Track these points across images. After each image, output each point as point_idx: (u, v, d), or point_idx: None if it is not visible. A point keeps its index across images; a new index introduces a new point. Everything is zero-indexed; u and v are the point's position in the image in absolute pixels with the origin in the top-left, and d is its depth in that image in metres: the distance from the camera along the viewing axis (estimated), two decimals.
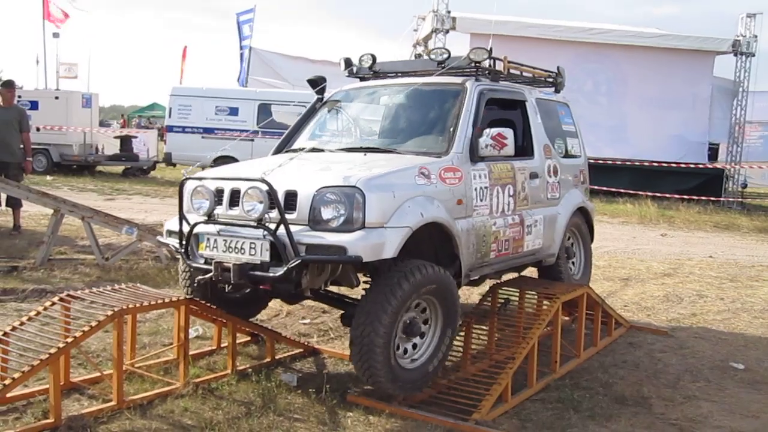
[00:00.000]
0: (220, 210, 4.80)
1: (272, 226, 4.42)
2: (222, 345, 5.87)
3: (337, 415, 4.72)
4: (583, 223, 7.07)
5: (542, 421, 4.73)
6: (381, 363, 4.44)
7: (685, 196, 18.64)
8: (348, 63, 6.53)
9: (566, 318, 7.10)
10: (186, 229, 4.88)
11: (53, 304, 4.93)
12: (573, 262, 6.95)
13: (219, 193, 4.83)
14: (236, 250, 4.62)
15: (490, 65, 5.91)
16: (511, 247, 5.69)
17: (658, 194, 18.14)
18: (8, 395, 4.40)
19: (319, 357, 5.96)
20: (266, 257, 4.49)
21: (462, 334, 5.62)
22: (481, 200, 5.35)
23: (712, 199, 19.08)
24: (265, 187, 4.44)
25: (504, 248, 5.59)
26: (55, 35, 25.50)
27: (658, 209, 17.06)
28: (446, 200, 4.97)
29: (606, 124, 20.08)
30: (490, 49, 5.74)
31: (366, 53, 6.35)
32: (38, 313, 4.89)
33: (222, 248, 4.70)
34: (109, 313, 4.60)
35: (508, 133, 5.24)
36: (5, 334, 4.66)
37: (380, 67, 6.37)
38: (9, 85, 11.28)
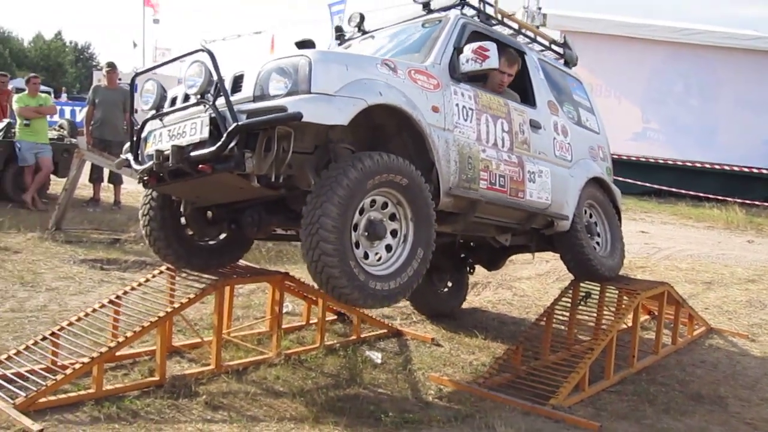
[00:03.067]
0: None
1: (214, 98, 4.15)
2: (310, 321, 6.18)
3: (419, 391, 4.98)
4: (606, 199, 6.49)
5: (617, 411, 4.87)
6: (336, 258, 3.91)
7: None
8: (338, 30, 6.28)
9: (647, 316, 7.19)
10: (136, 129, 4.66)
11: (161, 272, 5.30)
12: (599, 239, 6.38)
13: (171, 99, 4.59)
14: (178, 136, 4.27)
15: (479, 8, 5.64)
16: (509, 186, 5.18)
17: (747, 201, 17.74)
18: (117, 354, 4.78)
19: (402, 338, 6.21)
20: (206, 134, 4.09)
21: (543, 323, 5.78)
22: (465, 120, 4.90)
23: None
24: (206, 57, 4.15)
25: (499, 184, 5.09)
26: (155, 21, 26.41)
27: (746, 216, 16.66)
28: (417, 100, 4.51)
29: (695, 127, 19.68)
30: None
31: (355, 12, 6.07)
32: (147, 280, 5.26)
33: (166, 139, 4.37)
34: (211, 283, 4.96)
35: (491, 45, 4.89)
36: (117, 297, 5.06)
37: (368, 26, 6.05)
38: (112, 66, 11.87)
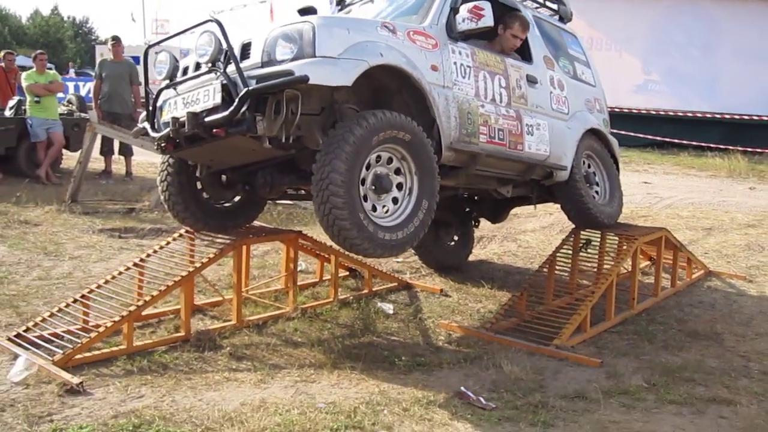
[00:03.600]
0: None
1: (224, 65, 4.35)
2: (323, 278, 6.46)
3: (429, 337, 5.28)
4: (603, 150, 6.68)
5: (618, 349, 5.15)
6: (345, 210, 4.14)
7: None
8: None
9: (647, 262, 7.44)
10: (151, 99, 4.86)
11: (180, 236, 5.56)
12: (598, 187, 6.57)
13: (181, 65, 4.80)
14: (192, 104, 4.46)
15: None
16: (507, 139, 5.39)
17: (749, 149, 17.88)
18: (143, 313, 5.06)
19: (412, 291, 6.49)
20: (218, 100, 4.29)
21: (546, 271, 6.05)
22: (463, 77, 5.11)
23: None
24: (215, 27, 4.34)
25: (498, 137, 5.31)
26: None
27: (749, 164, 16.83)
28: (417, 59, 4.72)
29: (698, 77, 19.77)
30: None
31: None
32: (168, 243, 5.54)
33: (181, 107, 4.56)
34: (228, 243, 5.24)
35: (485, 4, 5.06)
36: (141, 260, 5.34)
37: None
38: (117, 39, 12.05)
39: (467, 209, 7.36)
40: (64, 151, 11.90)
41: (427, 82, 4.73)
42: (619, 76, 18.78)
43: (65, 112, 12.21)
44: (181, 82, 4.68)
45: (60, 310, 4.92)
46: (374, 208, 4.48)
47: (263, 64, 4.31)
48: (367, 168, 4.39)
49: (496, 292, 6.53)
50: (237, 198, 5.63)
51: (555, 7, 6.83)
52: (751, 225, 9.91)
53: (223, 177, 5.43)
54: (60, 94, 12.83)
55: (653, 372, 4.68)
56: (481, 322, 5.69)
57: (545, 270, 6.06)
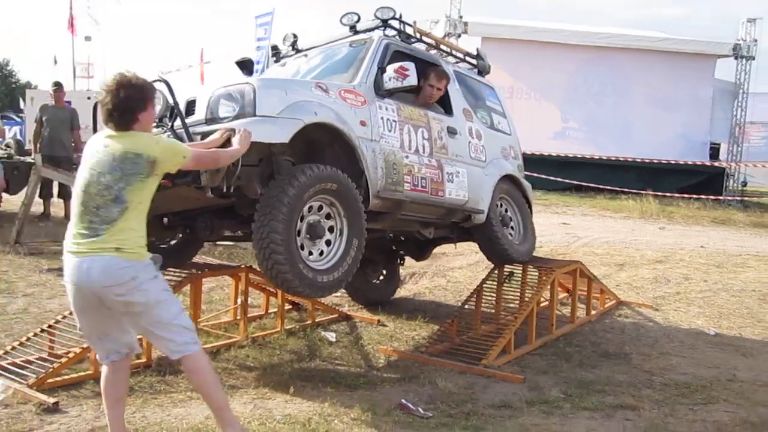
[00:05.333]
0: None
1: (171, 122, 4.65)
2: (269, 311, 6.93)
3: (370, 361, 5.82)
4: (517, 193, 7.18)
5: (538, 368, 5.78)
6: (287, 265, 4.55)
7: (686, 195, 19.49)
8: (275, 49, 6.94)
9: (565, 294, 8.14)
10: None
11: None
12: (513, 228, 7.08)
13: None
14: None
15: (399, 27, 6.23)
16: (429, 187, 5.82)
17: (660, 193, 18.99)
18: None
19: (351, 321, 7.03)
20: None
21: (473, 301, 6.66)
22: (390, 131, 5.53)
23: (712, 197, 19.95)
24: (163, 86, 4.61)
25: (421, 185, 5.73)
26: (87, 38, 26.59)
27: (660, 205, 17.93)
28: (347, 116, 5.13)
29: (612, 124, 20.97)
30: (395, 11, 6.14)
31: (288, 32, 6.77)
32: None
33: None
34: (185, 276, 5.69)
35: (410, 65, 5.48)
36: None
37: (302, 45, 6.74)
38: (59, 86, 12.36)
39: (393, 248, 7.87)
40: (2, 194, 12.06)
41: (356, 137, 5.16)
42: (539, 123, 19.87)
43: (5, 155, 12.39)
44: None
45: (28, 339, 5.29)
46: (310, 253, 4.92)
47: (207, 121, 4.67)
48: (301, 220, 4.83)
49: (428, 321, 7.11)
50: (175, 240, 6.01)
51: (474, 62, 7.37)
52: (659, 261, 10.76)
53: (165, 219, 5.77)
54: None
55: (569, 385, 5.32)
56: (416, 347, 6.25)
57: (473, 300, 6.67)
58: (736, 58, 21.43)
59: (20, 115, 30.68)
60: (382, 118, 5.51)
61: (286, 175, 4.72)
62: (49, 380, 4.76)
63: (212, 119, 4.65)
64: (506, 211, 7.07)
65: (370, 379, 5.31)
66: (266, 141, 4.55)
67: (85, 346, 4.98)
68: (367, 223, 5.26)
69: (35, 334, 5.34)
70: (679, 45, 21.19)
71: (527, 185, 7.42)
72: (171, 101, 4.67)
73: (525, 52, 20.37)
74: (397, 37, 6.20)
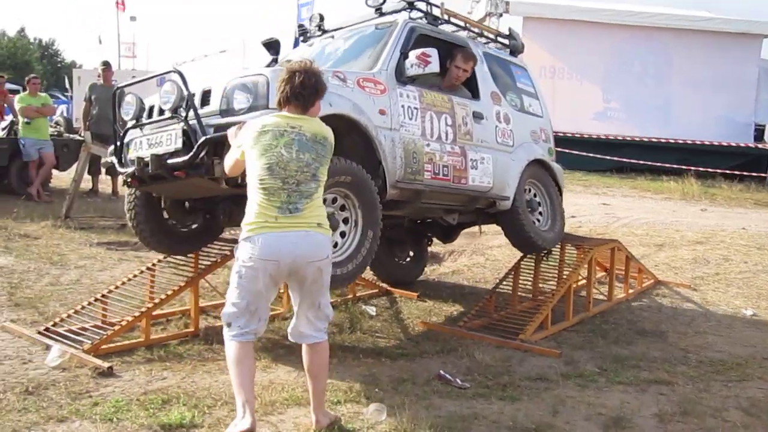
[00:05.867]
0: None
1: (186, 114, 4.69)
2: None
3: (410, 334, 5.97)
4: (548, 179, 7.08)
5: (575, 344, 5.89)
6: None
7: (730, 176, 19.24)
8: (302, 28, 6.89)
9: (602, 273, 8.21)
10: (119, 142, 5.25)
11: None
12: (540, 213, 6.97)
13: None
14: (156, 145, 4.86)
15: (426, 9, 6.18)
16: (452, 174, 5.79)
17: (701, 168, 18.69)
18: (154, 313, 5.65)
19: (391, 296, 7.19)
20: (179, 144, 4.68)
21: (511, 278, 6.77)
22: (410, 119, 5.49)
23: (755, 175, 19.66)
24: (177, 77, 4.72)
25: (442, 173, 5.71)
26: (133, 18, 26.95)
27: (701, 187, 17.78)
28: (365, 105, 5.11)
29: (653, 105, 20.74)
30: None
31: (315, 13, 6.76)
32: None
33: (146, 147, 4.96)
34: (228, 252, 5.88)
35: (432, 51, 5.45)
36: (153, 264, 5.98)
37: (329, 26, 6.67)
38: (107, 65, 12.67)
39: (420, 229, 7.88)
40: (53, 170, 12.43)
41: (374, 126, 5.14)
42: (581, 103, 19.77)
43: (55, 133, 12.75)
44: (146, 124, 5.11)
45: (83, 308, 5.55)
46: None
47: (221, 112, 4.68)
48: None
49: (467, 298, 7.24)
50: (196, 224, 6.00)
51: (506, 41, 7.23)
52: (699, 242, 10.73)
53: (186, 204, 5.83)
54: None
55: (605, 360, 5.42)
56: (454, 321, 6.39)
57: (511, 277, 6.78)
58: None
59: (65, 93, 31.32)
60: (402, 105, 5.47)
61: None
62: (103, 346, 4.99)
63: (227, 111, 4.67)
64: (534, 196, 6.98)
65: (409, 351, 5.47)
66: None
67: (137, 314, 5.22)
68: (388, 211, 5.28)
69: (89, 303, 5.59)
70: (724, 24, 20.86)
71: (558, 168, 7.29)
72: (185, 92, 4.72)
73: (566, 32, 20.22)
74: (424, 19, 6.15)
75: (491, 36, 7.19)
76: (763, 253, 10.03)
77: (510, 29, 7.39)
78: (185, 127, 4.67)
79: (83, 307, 5.56)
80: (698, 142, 19.92)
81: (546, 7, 20.67)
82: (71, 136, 12.79)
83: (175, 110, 4.75)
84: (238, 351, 3.81)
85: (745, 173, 19.25)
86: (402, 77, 5.52)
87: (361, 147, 5.20)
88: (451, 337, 5.85)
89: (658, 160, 19.31)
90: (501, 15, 20.96)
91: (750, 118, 21.58)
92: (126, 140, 5.27)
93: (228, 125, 4.41)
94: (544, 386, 4.83)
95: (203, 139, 4.51)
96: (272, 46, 6.40)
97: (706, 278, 8.47)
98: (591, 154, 18.71)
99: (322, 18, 6.73)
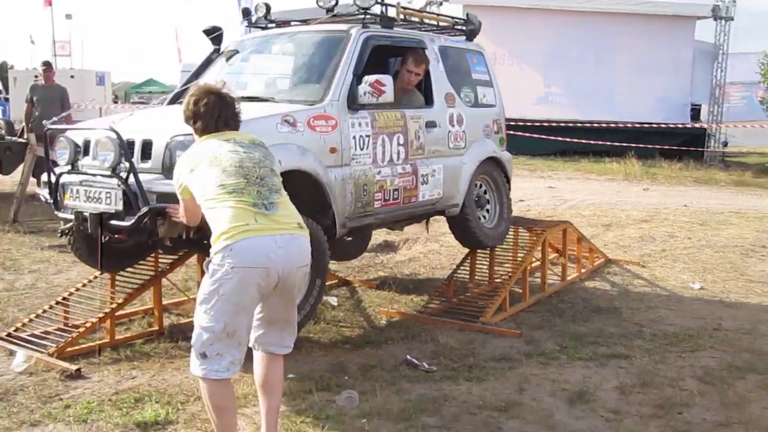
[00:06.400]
0: (85, 161, 4.85)
1: (126, 176, 4.45)
2: None
3: (373, 322, 6.06)
4: (497, 172, 6.94)
5: (533, 323, 6.05)
6: None
7: (669, 155, 19.74)
8: (246, 12, 6.59)
9: (556, 254, 8.41)
10: (54, 179, 4.92)
11: None
12: (488, 210, 6.91)
13: (84, 143, 4.87)
14: (95, 200, 4.64)
15: (381, 12, 5.85)
16: (402, 197, 5.70)
17: (641, 145, 19.10)
18: (116, 313, 5.63)
19: (351, 286, 7.26)
20: (120, 206, 4.50)
21: (467, 263, 6.90)
22: (362, 149, 5.32)
23: (694, 158, 20.22)
24: (114, 136, 4.49)
25: (393, 198, 5.61)
26: (68, 16, 26.46)
27: (643, 167, 18.25)
28: (316, 148, 4.95)
29: (593, 88, 21.17)
30: None
31: (261, 1, 6.33)
32: None
33: (83, 198, 4.71)
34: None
35: (387, 80, 5.24)
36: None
37: (276, 16, 6.35)
38: (49, 65, 12.46)
39: None
40: None
41: (324, 169, 4.99)
42: (523, 89, 20.07)
43: None
44: (82, 173, 4.80)
45: (44, 311, 5.50)
46: None
47: (164, 170, 4.44)
48: None
49: (425, 284, 7.37)
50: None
51: (463, 28, 6.90)
52: (644, 220, 11.06)
53: None
54: None
55: (564, 338, 5.60)
56: (416, 308, 6.50)
57: (467, 262, 6.91)
58: (715, 19, 21.66)
59: (0, 95, 30.58)
60: (354, 137, 5.29)
61: None
62: (68, 349, 4.97)
63: (170, 169, 4.17)
64: (484, 192, 6.92)
65: (374, 339, 5.56)
66: None
67: (101, 315, 5.21)
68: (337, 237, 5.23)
69: (50, 307, 5.55)
70: (658, 7, 21.39)
71: (508, 158, 7.17)
72: (123, 152, 4.48)
73: (506, 19, 20.50)
74: (378, 24, 5.86)
75: (448, 26, 6.93)
76: (706, 229, 10.40)
77: (468, 14, 7.04)
78: (126, 190, 4.47)
79: (44, 311, 5.51)
80: (638, 124, 20.41)
81: None
82: (13, 138, 12.51)
83: (113, 169, 4.52)
84: (217, 395, 3.34)
85: (683, 149, 19.83)
86: (354, 104, 5.29)
87: (310, 188, 4.97)
88: (413, 323, 5.96)
89: (600, 142, 19.73)
90: (441, 4, 21.16)
91: (687, 98, 22.22)
92: (62, 181, 4.93)
93: (173, 195, 3.94)
94: (508, 366, 4.97)
95: (146, 209, 4.34)
96: (213, 35, 6.21)
97: (653, 255, 8.75)
98: (535, 136, 19.02)
99: (268, 9, 6.33)
